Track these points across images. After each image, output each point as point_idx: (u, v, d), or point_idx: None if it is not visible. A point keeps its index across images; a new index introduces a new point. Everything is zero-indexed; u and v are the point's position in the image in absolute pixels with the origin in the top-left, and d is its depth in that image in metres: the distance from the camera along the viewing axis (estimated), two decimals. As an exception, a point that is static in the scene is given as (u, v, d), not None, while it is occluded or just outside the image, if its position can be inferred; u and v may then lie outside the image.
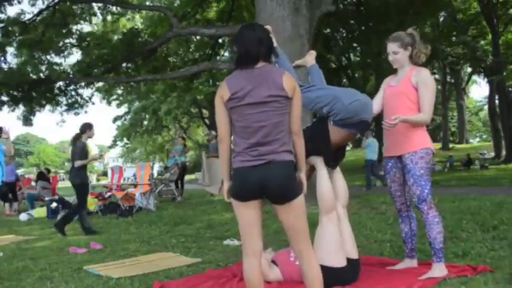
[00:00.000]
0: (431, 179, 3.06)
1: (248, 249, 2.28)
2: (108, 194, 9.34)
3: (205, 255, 4.26)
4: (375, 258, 3.60)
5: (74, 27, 14.00)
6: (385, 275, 3.13)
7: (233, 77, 2.27)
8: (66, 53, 14.26)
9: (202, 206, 8.93)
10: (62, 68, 14.06)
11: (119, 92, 25.99)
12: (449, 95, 35.62)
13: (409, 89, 3.06)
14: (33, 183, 12.18)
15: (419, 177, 2.97)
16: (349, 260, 2.96)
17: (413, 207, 3.25)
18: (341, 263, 2.91)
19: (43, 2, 12.88)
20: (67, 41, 14.01)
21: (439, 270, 2.95)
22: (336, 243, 2.95)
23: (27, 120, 13.98)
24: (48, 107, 14.26)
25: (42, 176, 11.82)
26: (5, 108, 12.98)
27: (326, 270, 2.87)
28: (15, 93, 12.63)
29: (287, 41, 8.17)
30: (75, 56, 15.81)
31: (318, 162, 3.08)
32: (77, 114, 14.97)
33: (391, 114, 3.04)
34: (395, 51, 3.11)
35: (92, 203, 9.22)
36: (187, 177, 33.78)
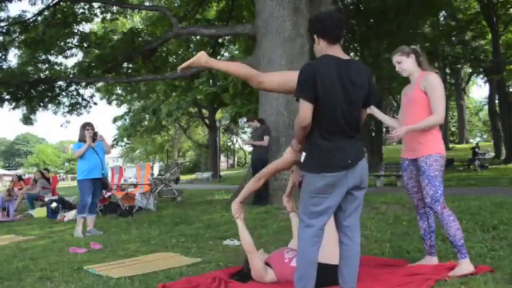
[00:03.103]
0: (443, 181, 3.14)
1: None
2: (108, 194, 9.33)
3: (205, 255, 4.26)
4: (375, 259, 3.59)
5: (75, 28, 13.99)
6: (386, 274, 3.12)
7: None
8: (67, 53, 14.26)
9: (202, 206, 8.93)
10: (62, 67, 14.06)
11: (119, 92, 26.00)
12: (450, 95, 35.62)
13: (419, 95, 3.16)
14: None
15: (433, 178, 3.07)
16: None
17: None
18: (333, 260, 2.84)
19: (42, 1, 12.88)
20: (68, 40, 14.00)
21: (466, 266, 3.00)
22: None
23: (27, 119, 13.96)
24: (51, 107, 14.24)
25: (41, 176, 11.76)
26: (6, 105, 12.97)
27: (321, 268, 2.83)
28: (15, 92, 12.61)
29: (287, 41, 8.19)
30: (76, 55, 15.81)
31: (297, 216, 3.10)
32: (79, 114, 14.95)
33: (404, 123, 3.21)
34: (398, 61, 3.28)
35: (92, 203, 9.23)
36: (187, 177, 33.82)
